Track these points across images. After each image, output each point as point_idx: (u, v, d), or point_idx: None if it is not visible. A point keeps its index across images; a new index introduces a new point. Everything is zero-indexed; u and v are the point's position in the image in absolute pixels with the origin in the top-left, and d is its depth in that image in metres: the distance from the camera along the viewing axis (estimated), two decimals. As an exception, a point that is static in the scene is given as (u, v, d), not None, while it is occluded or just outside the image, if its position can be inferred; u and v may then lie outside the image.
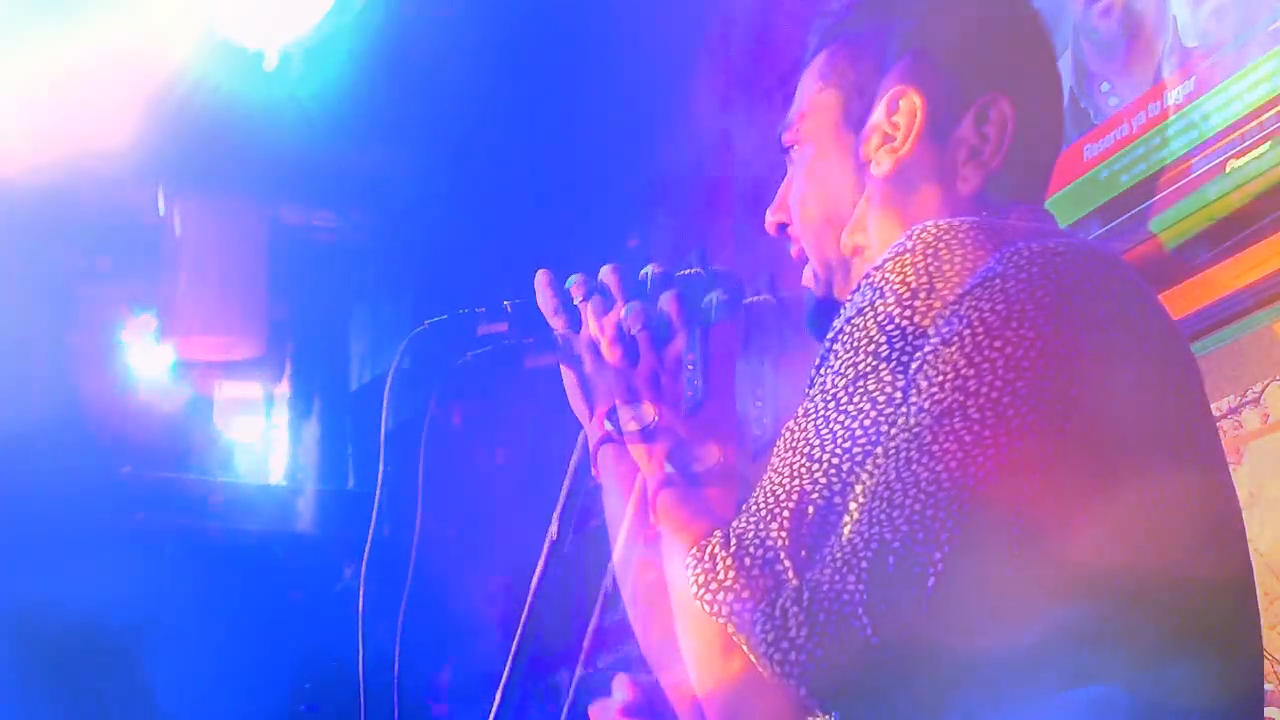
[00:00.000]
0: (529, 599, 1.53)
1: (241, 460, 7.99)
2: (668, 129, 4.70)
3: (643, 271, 1.61)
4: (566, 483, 1.59)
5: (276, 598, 6.37)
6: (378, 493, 1.63)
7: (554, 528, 1.57)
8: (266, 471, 7.64)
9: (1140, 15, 2.31)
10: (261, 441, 7.89)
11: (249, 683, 7.84)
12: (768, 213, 1.67)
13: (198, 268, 5.46)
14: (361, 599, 1.67)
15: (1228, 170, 2.09)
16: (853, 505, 1.24)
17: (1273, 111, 2.02)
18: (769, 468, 1.31)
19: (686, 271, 1.67)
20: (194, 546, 6.73)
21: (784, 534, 1.27)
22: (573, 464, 1.61)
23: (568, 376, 1.58)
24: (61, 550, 5.73)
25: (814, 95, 1.60)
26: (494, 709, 1.52)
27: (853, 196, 1.55)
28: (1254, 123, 2.05)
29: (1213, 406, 2.08)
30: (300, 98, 4.56)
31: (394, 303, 6.53)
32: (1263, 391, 2.07)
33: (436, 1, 4.59)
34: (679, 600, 1.34)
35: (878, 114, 1.54)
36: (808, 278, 1.62)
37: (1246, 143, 2.06)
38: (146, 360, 6.44)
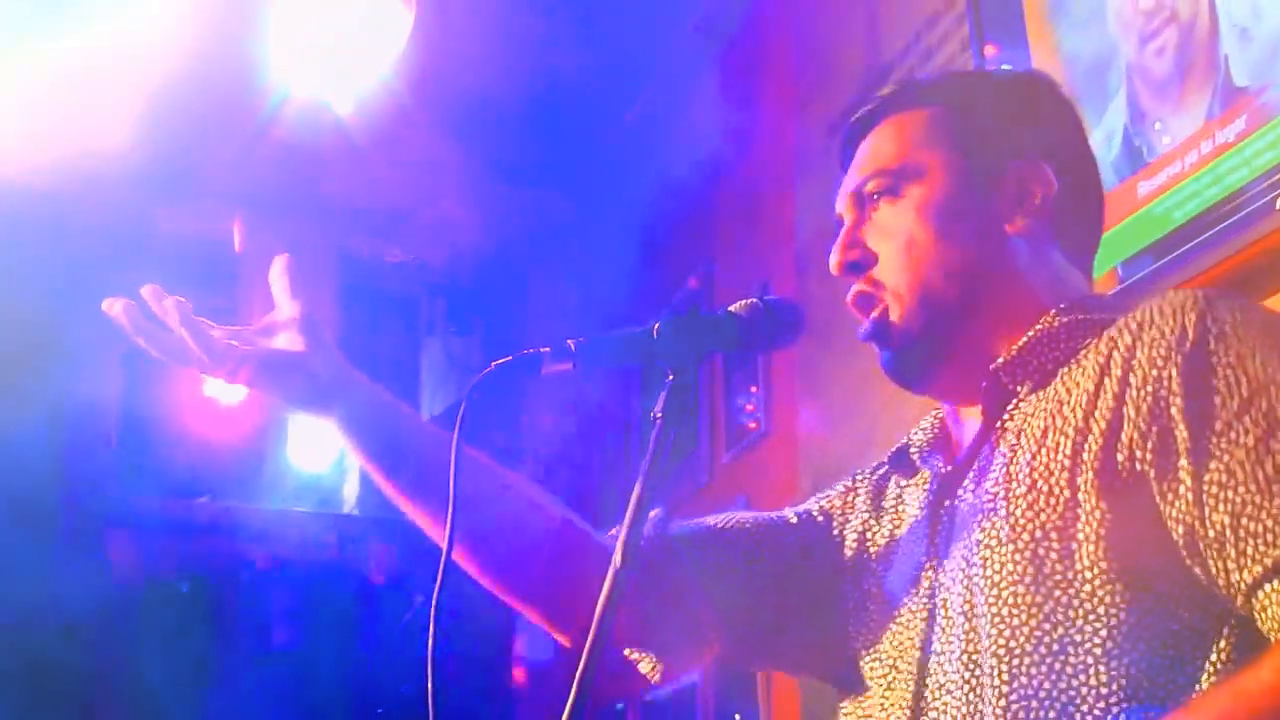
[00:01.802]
0: (594, 627, 1.54)
1: (313, 491, 8.05)
2: (729, 171, 4.72)
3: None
4: (630, 512, 1.60)
5: (348, 626, 6.40)
6: (449, 524, 1.65)
7: (618, 557, 1.58)
8: (339, 502, 7.69)
9: (1192, 55, 2.31)
10: (333, 472, 7.94)
11: (322, 708, 7.87)
12: (840, 250, 1.68)
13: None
14: (433, 628, 1.68)
15: (1278, 207, 2.08)
16: None
17: (1322, 149, 2.02)
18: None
19: (744, 303, 1.70)
20: (266, 574, 6.78)
21: None
22: (635, 493, 1.62)
23: None
24: (135, 576, 5.79)
25: (929, 151, 1.66)
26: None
27: (976, 252, 1.62)
28: (1304, 160, 2.05)
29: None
30: (372, 142, 4.62)
31: (463, 338, 6.56)
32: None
33: (496, 50, 4.62)
34: None
35: (1010, 176, 1.64)
36: (881, 333, 1.64)
37: (1297, 180, 2.06)
38: (222, 392, 6.51)
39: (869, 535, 1.76)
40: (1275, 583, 1.31)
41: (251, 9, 4.16)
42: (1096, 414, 1.44)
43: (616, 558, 1.56)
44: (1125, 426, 1.41)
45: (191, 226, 5.78)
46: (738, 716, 4.13)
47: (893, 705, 1.61)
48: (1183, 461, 1.37)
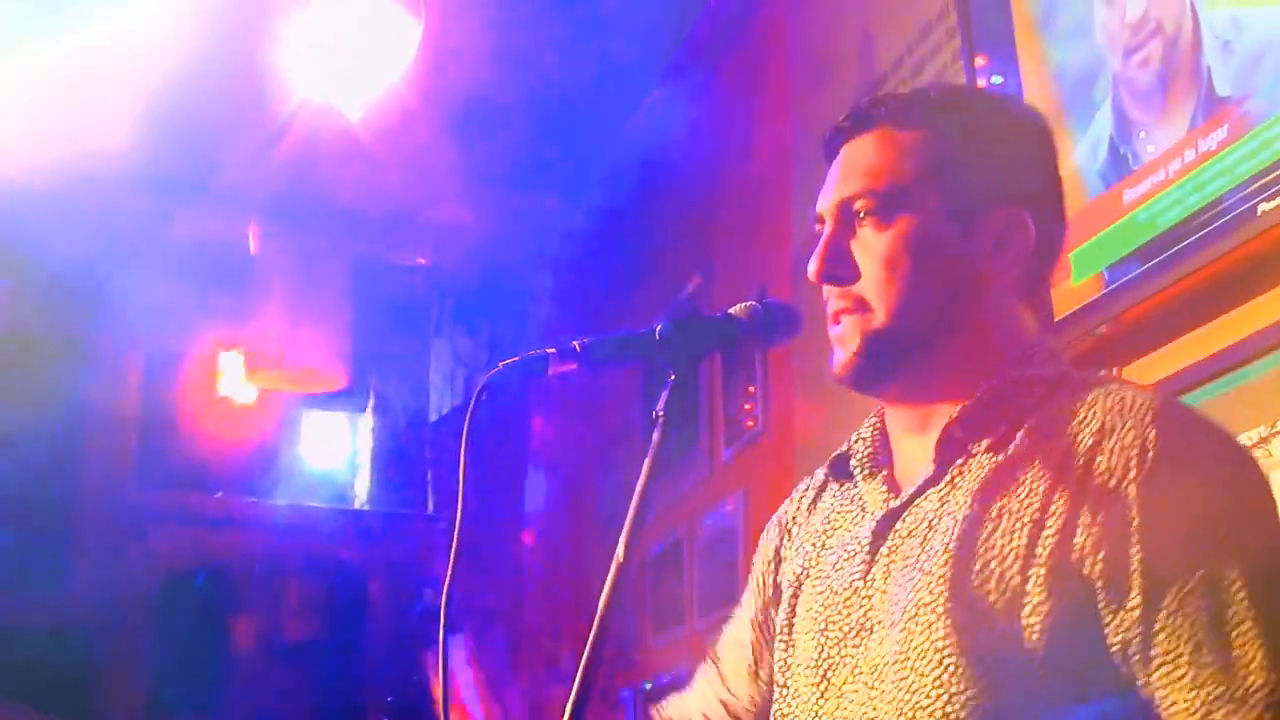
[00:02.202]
0: (596, 619, 1.54)
1: (326, 487, 8.06)
2: (728, 178, 4.72)
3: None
4: (633, 507, 1.60)
5: (359, 618, 6.41)
6: (458, 519, 1.65)
7: (620, 551, 1.58)
8: (350, 498, 7.70)
9: (1176, 66, 2.32)
10: (345, 469, 7.95)
11: (333, 698, 7.87)
12: (823, 259, 1.69)
13: (287, 305, 5.53)
14: (443, 620, 1.69)
15: (1259, 213, 2.08)
16: None
17: (1301, 158, 2.02)
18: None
19: (743, 305, 1.71)
20: (279, 567, 6.78)
21: None
22: (639, 489, 1.62)
23: None
24: (153, 569, 5.79)
25: (919, 183, 1.65)
26: (565, 720, 1.52)
27: (950, 295, 1.63)
28: (1283, 168, 2.05)
29: (1244, 437, 2.09)
30: (383, 149, 4.62)
31: (471, 339, 6.57)
32: (1292, 423, 2.07)
33: (502, 60, 4.63)
34: None
35: (991, 223, 1.64)
36: (851, 334, 1.65)
37: (1276, 188, 2.05)
38: (238, 391, 6.52)
39: (806, 576, 1.76)
40: None
41: (264, 16, 4.16)
42: (1053, 508, 1.47)
43: (619, 552, 1.56)
44: (1079, 532, 1.45)
45: (207, 230, 5.78)
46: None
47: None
48: (1135, 582, 1.42)
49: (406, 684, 6.64)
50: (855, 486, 1.74)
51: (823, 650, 1.64)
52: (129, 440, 5.89)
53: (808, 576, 1.74)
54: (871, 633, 1.59)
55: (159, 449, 6.55)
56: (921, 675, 1.51)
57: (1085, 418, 1.51)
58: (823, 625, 1.66)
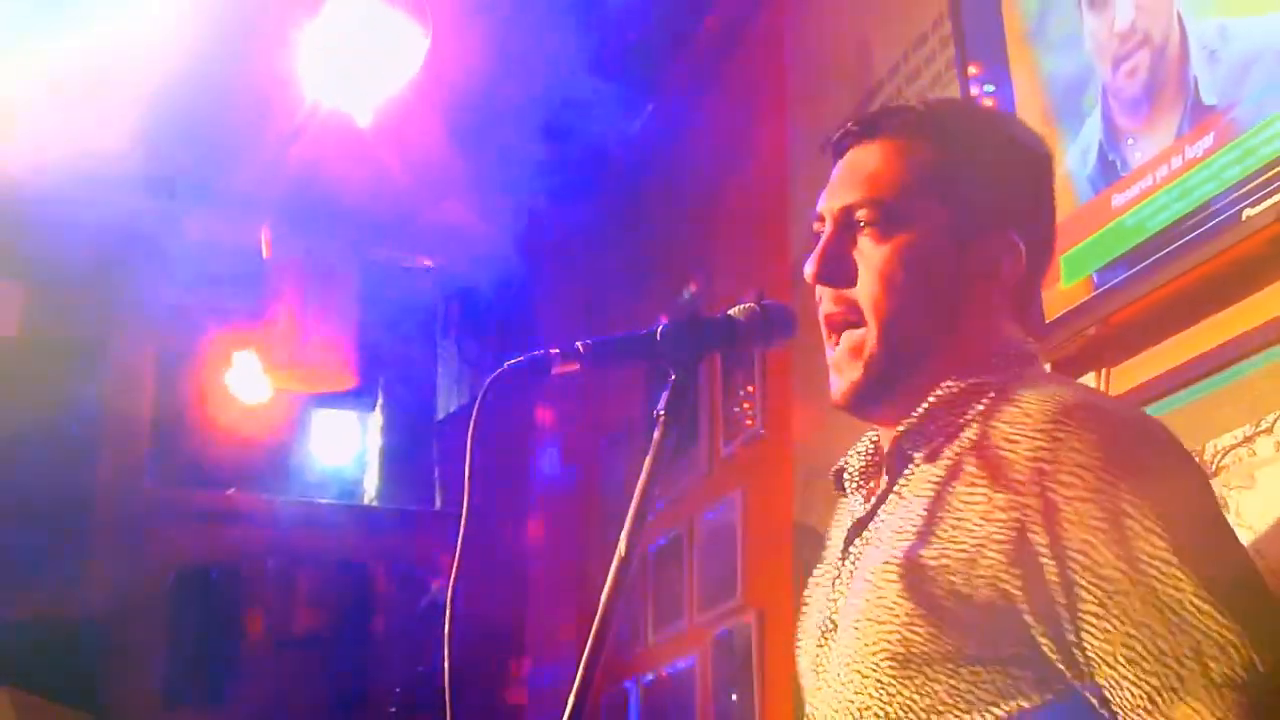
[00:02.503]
0: (599, 613, 1.55)
1: (335, 483, 8.05)
2: (728, 183, 4.72)
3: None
4: (634, 504, 1.61)
5: (368, 610, 6.41)
6: (464, 514, 1.66)
7: (622, 547, 1.58)
8: (359, 494, 7.70)
9: (1164, 76, 2.32)
10: (354, 466, 7.95)
11: (342, 687, 7.85)
12: (821, 261, 1.70)
13: (298, 306, 5.53)
14: (449, 612, 1.69)
15: (1244, 218, 2.09)
16: None
17: (1285, 164, 2.02)
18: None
19: (742, 307, 1.72)
20: (290, 562, 6.77)
21: None
22: (640, 486, 1.63)
23: None
24: (168, 563, 5.80)
25: (920, 200, 1.66)
26: (567, 713, 1.53)
27: (940, 312, 1.65)
28: (1267, 175, 2.05)
29: (1229, 435, 2.10)
30: (391, 154, 4.63)
31: (477, 339, 6.57)
32: (1275, 421, 2.07)
33: (509, 70, 4.63)
34: None
35: (983, 248, 1.65)
36: (850, 365, 1.68)
37: (1261, 193, 2.06)
38: (250, 391, 6.51)
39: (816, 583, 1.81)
40: None
41: (276, 22, 4.16)
42: (971, 516, 1.49)
43: (621, 548, 1.57)
44: (995, 538, 1.46)
45: (220, 233, 5.78)
46: (734, 696, 4.14)
47: None
48: (1058, 584, 1.43)
49: (413, 675, 6.65)
50: (847, 498, 1.78)
51: (816, 650, 1.68)
52: (143, 438, 5.90)
53: (816, 584, 1.79)
54: (836, 632, 1.63)
55: (173, 447, 6.55)
56: (864, 677, 1.55)
57: (1007, 423, 1.52)
58: (816, 627, 1.70)
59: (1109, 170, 2.44)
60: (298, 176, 5.05)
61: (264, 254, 5.61)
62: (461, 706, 1.67)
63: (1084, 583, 1.41)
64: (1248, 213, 2.08)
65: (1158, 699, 1.36)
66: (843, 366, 1.68)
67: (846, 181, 1.71)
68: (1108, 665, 1.40)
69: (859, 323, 1.66)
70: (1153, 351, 2.32)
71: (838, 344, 1.69)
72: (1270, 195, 2.03)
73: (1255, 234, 2.06)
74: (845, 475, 1.77)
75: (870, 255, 1.66)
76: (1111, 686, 1.40)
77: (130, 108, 4.62)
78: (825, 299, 1.70)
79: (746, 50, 4.61)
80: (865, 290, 1.66)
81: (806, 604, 1.78)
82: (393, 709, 6.34)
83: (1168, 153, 2.28)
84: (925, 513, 1.54)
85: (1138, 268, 2.32)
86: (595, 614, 1.54)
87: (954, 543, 1.50)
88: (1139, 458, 1.46)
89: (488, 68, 4.50)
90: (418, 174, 5.00)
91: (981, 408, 1.57)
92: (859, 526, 1.67)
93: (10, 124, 4.59)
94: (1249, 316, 2.15)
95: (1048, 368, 2.02)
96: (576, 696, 1.51)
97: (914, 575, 1.52)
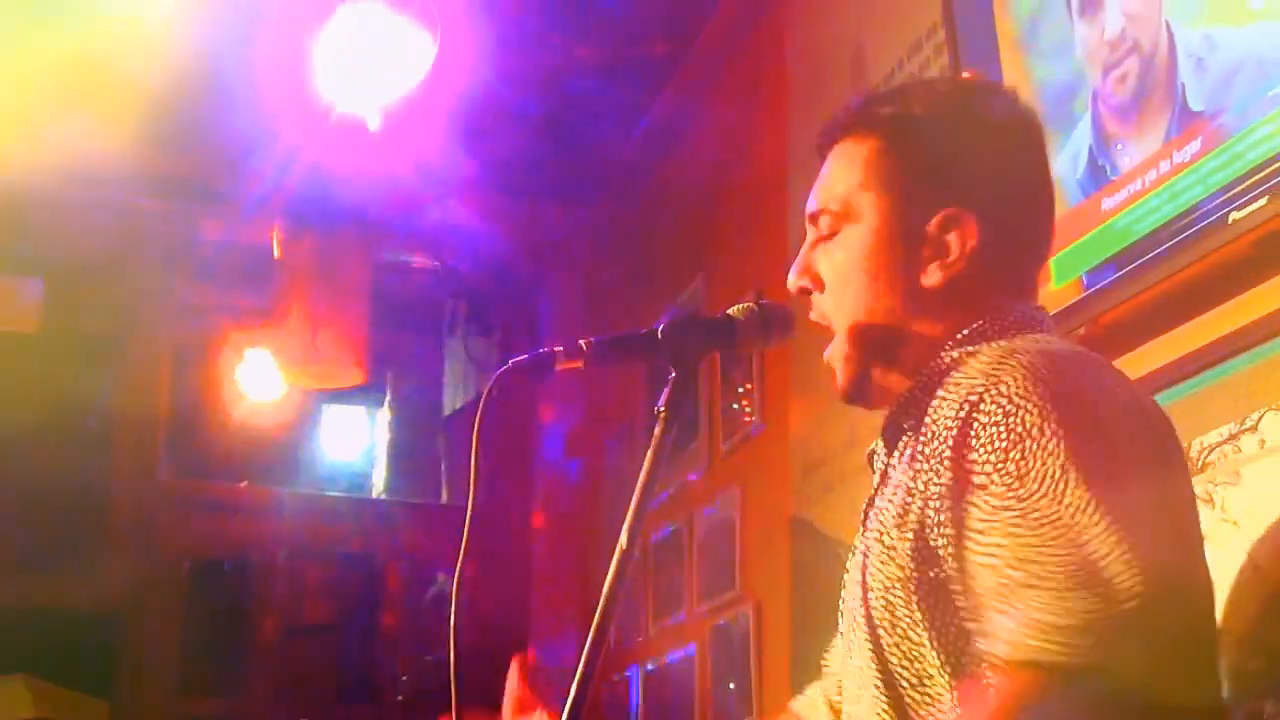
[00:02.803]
0: (601, 603, 1.55)
1: (344, 476, 8.06)
2: (728, 184, 4.73)
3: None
4: (636, 498, 1.61)
5: (376, 601, 6.42)
6: (469, 508, 1.66)
7: (624, 539, 1.58)
8: (368, 487, 7.71)
9: (1152, 83, 2.32)
10: (363, 460, 7.96)
11: (350, 674, 7.85)
12: (794, 274, 1.72)
13: (309, 305, 5.53)
14: (454, 602, 1.70)
15: (1230, 221, 2.09)
16: None
17: (1270, 169, 2.02)
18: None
19: (741, 307, 1.72)
20: (301, 553, 6.77)
21: None
22: (641, 481, 1.63)
23: None
24: (182, 554, 5.81)
25: (867, 193, 1.66)
26: (570, 700, 1.53)
27: (896, 302, 1.64)
28: (1253, 179, 2.05)
29: (1215, 432, 2.10)
30: (399, 155, 4.63)
31: (483, 337, 6.57)
32: (1259, 420, 2.07)
33: (515, 77, 4.63)
34: None
35: (929, 229, 1.63)
36: (838, 354, 1.68)
37: (1246, 197, 2.06)
38: (262, 387, 6.52)
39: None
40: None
41: (290, 27, 4.16)
42: (928, 480, 1.49)
43: (623, 540, 1.57)
44: (936, 501, 1.47)
45: (232, 234, 5.79)
46: (732, 685, 4.14)
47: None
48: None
49: (420, 664, 6.65)
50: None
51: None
52: (158, 432, 5.90)
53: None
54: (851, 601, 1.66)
55: (187, 441, 6.56)
56: (865, 641, 1.56)
57: (962, 374, 1.52)
58: (843, 600, 1.73)
59: (1099, 174, 2.44)
60: (309, 179, 5.05)
61: (275, 254, 5.61)
62: (467, 693, 1.67)
63: (977, 497, 1.41)
64: (1234, 216, 2.08)
65: (1012, 593, 1.34)
66: (835, 364, 1.70)
67: (815, 189, 1.73)
68: (979, 561, 1.39)
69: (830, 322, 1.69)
70: (1141, 350, 2.33)
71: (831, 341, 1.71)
72: (1256, 199, 2.03)
73: (1241, 236, 2.07)
74: (874, 456, 1.77)
75: (828, 259, 1.68)
76: (974, 574, 1.39)
77: (142, 108, 4.62)
78: (812, 305, 1.72)
79: (747, 55, 4.62)
80: (827, 295, 1.69)
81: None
82: (400, 696, 6.35)
83: (1156, 157, 2.28)
84: (904, 477, 1.55)
85: (1126, 269, 2.32)
86: (597, 604, 1.54)
87: (913, 511, 1.50)
88: (1065, 384, 1.43)
89: (493, 69, 4.50)
90: (424, 175, 5.00)
91: (959, 372, 1.56)
92: (869, 503, 1.68)
93: (27, 125, 4.59)
94: (1235, 317, 2.15)
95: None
96: (579, 683, 1.51)
97: (890, 544, 1.53)
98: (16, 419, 5.29)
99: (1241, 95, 2.09)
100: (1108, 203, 2.40)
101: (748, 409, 4.26)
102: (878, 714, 1.55)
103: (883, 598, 1.53)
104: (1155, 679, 1.28)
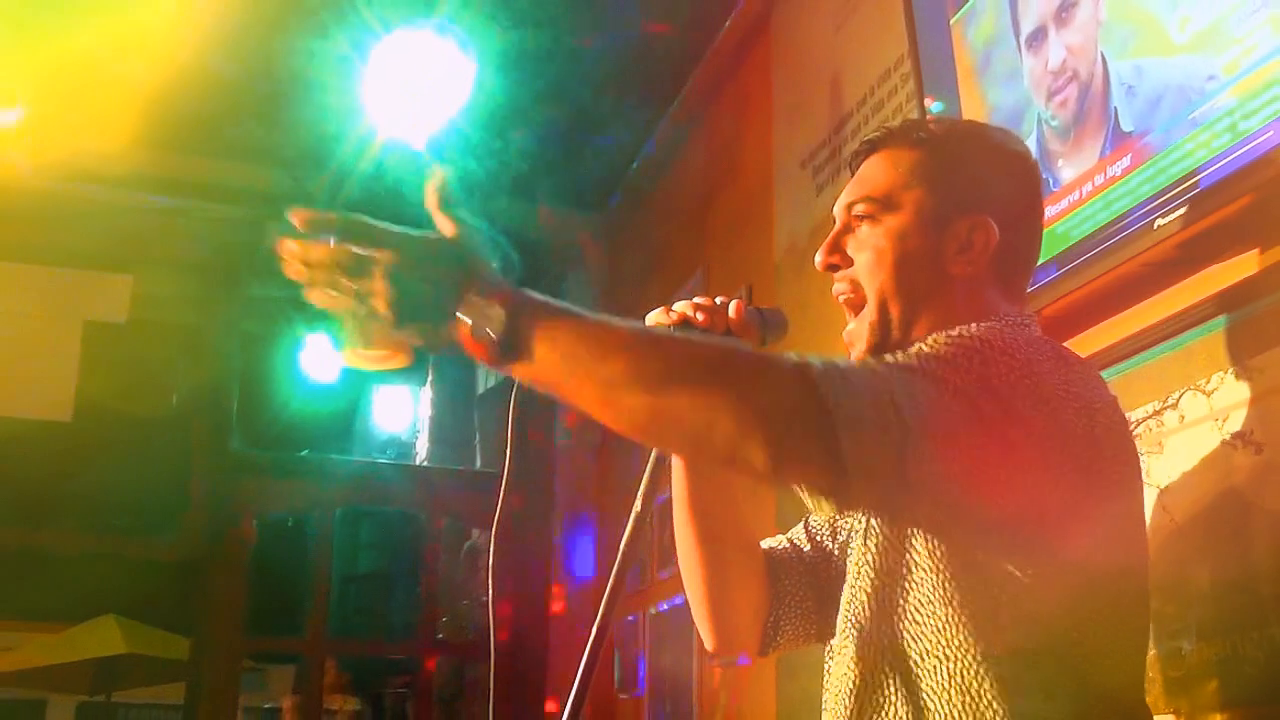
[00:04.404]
0: (619, 556, 1.57)
1: (393, 446, 8.08)
2: (722, 191, 4.73)
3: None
4: (649, 470, 1.62)
5: (420, 553, 6.45)
6: (504, 474, 1.68)
7: (639, 504, 1.60)
8: (412, 455, 7.73)
9: (1089, 107, 2.33)
10: (409, 432, 7.98)
11: (397, 618, 7.87)
12: (825, 252, 1.72)
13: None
14: (491, 556, 1.71)
15: (1155, 227, 2.10)
16: None
17: (1189, 182, 2.03)
18: None
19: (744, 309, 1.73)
20: (354, 512, 6.78)
21: None
22: (653, 456, 1.64)
23: None
24: (253, 514, 5.83)
25: (908, 190, 1.68)
26: (589, 645, 1.55)
27: (924, 279, 1.65)
28: (1175, 190, 2.06)
29: (1141, 409, 2.12)
30: (438, 170, 4.63)
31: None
32: (1180, 398, 2.09)
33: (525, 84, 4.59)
34: None
35: (960, 227, 1.65)
36: (861, 328, 1.68)
37: (1169, 206, 2.07)
38: (323, 369, 6.55)
39: None
40: None
41: (339, 56, 4.12)
42: None
43: (637, 504, 1.59)
44: None
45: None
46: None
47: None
48: None
49: (458, 606, 6.69)
50: None
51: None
52: (231, 409, 5.93)
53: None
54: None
55: (257, 416, 6.59)
56: (859, 608, 1.56)
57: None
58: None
59: (1043, 186, 2.45)
60: (360, 184, 5.05)
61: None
62: (501, 628, 1.69)
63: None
64: (1159, 222, 2.09)
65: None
66: (855, 339, 1.69)
67: (852, 187, 1.73)
68: None
69: (865, 301, 1.68)
70: (1079, 338, 2.34)
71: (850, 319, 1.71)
72: (1177, 208, 2.05)
73: (1165, 240, 2.08)
74: None
75: (865, 238, 1.68)
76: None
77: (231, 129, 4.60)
78: (836, 282, 1.72)
79: (739, 81, 4.62)
80: (860, 264, 1.68)
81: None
82: (440, 635, 6.38)
83: (1091, 172, 2.29)
84: None
85: (1067, 268, 2.33)
86: (615, 555, 1.56)
87: None
88: (1007, 341, 1.44)
89: (509, 85, 4.45)
90: (462, 185, 4.99)
91: None
92: None
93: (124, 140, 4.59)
94: (1159, 309, 2.16)
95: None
96: (600, 621, 1.53)
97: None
98: (110, 398, 5.32)
99: (1165, 118, 2.10)
100: (1050, 211, 2.41)
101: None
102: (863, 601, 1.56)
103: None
104: None
